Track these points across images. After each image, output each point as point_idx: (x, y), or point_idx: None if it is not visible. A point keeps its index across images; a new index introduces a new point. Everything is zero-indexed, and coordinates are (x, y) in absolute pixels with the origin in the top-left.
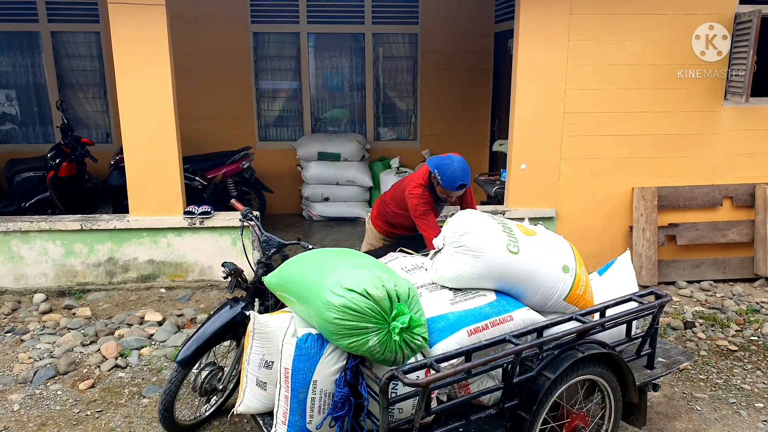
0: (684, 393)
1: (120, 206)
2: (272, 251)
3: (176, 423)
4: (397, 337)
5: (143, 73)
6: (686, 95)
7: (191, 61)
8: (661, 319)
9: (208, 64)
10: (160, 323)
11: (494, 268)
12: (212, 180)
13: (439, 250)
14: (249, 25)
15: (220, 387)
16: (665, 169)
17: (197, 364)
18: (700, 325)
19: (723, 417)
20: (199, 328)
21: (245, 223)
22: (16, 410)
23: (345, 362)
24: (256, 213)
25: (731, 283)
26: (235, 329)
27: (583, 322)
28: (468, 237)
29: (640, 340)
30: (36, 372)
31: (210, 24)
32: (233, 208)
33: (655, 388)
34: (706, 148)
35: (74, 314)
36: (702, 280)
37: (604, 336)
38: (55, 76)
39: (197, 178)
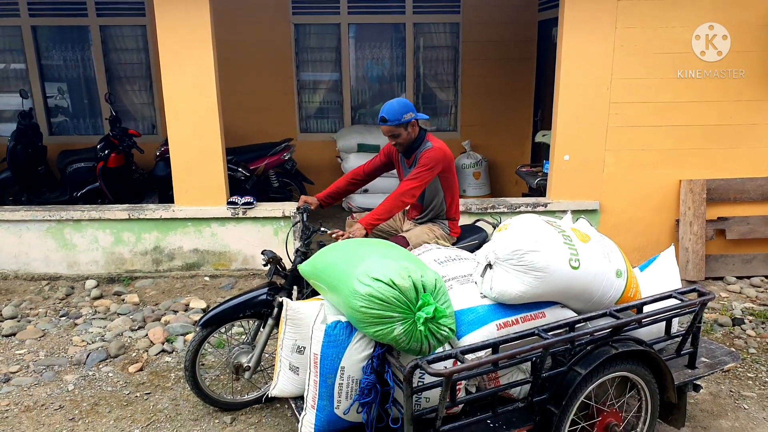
0: (731, 391)
1: (165, 196)
2: (307, 239)
3: (202, 389)
4: (422, 327)
5: (187, 65)
6: (737, 84)
7: (234, 53)
8: (708, 315)
9: (250, 56)
10: (204, 310)
11: (556, 286)
12: (254, 171)
13: (489, 263)
14: (290, 16)
15: (246, 365)
16: (715, 160)
17: (224, 332)
18: (750, 322)
19: None
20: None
21: (297, 218)
22: (71, 390)
23: (372, 350)
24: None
25: None
26: (257, 308)
27: (618, 318)
28: (533, 255)
29: (681, 338)
30: (89, 354)
31: (252, 16)
32: (276, 199)
33: (696, 388)
34: (760, 140)
35: (123, 300)
36: (752, 276)
37: (642, 333)
38: (104, 69)
39: (240, 169)
